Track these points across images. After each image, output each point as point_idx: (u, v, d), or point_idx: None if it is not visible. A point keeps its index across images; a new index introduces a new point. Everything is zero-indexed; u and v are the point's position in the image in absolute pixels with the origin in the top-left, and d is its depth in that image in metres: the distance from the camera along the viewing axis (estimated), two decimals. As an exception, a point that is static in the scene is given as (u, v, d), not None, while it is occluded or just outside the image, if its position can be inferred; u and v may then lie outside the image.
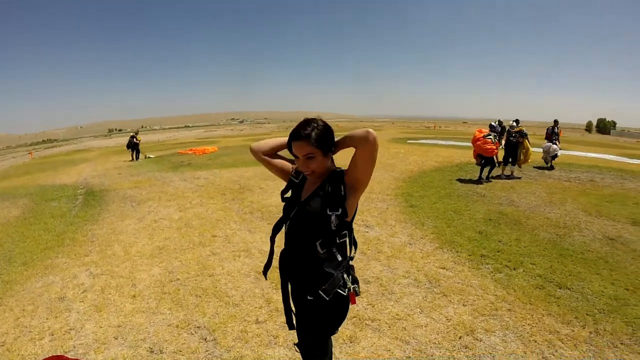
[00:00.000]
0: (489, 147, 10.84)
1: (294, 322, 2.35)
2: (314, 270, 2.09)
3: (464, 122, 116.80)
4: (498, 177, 11.50)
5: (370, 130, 1.90)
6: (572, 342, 3.58)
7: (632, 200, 8.90)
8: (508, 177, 11.75)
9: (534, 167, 13.46)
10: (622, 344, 3.58)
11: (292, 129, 2.07)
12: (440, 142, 25.83)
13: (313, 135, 1.97)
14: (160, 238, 6.72)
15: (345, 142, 2.03)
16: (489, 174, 11.37)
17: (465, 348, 3.47)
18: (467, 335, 3.67)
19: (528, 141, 11.98)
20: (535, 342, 3.58)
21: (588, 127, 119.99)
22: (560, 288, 4.62)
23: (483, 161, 11.15)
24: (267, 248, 5.73)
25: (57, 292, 4.88)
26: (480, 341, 3.58)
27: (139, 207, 9.21)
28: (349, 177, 2.05)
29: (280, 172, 2.32)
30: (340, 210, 2.01)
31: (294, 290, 2.26)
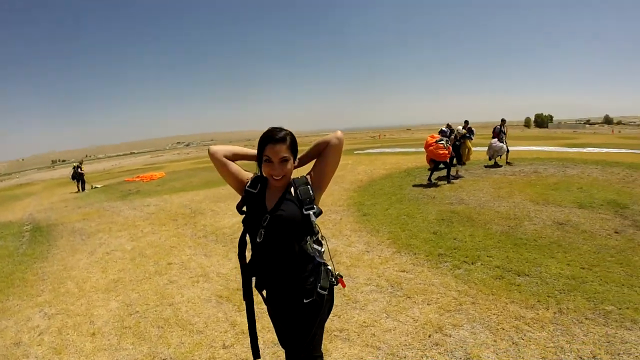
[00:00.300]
0: (441, 152, 11.02)
1: (283, 338, 2.32)
2: (306, 269, 2.14)
3: (407, 129, 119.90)
4: (446, 177, 11.65)
5: (340, 132, 2.20)
6: (539, 324, 3.70)
7: (575, 186, 9.33)
8: (455, 177, 12.00)
9: (484, 166, 13.89)
10: (586, 319, 3.73)
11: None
12: (386, 150, 26.49)
13: (288, 140, 2.05)
14: (115, 270, 6.44)
15: (316, 149, 2.21)
16: (448, 174, 11.57)
17: (437, 345, 3.49)
18: (436, 332, 3.69)
19: (470, 141, 12.67)
20: (504, 329, 3.66)
21: (527, 123, 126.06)
22: (519, 275, 4.77)
23: (440, 165, 11.51)
24: (225, 271, 5.58)
25: (12, 337, 4.55)
26: (450, 337, 3.61)
27: (89, 240, 8.82)
28: (315, 177, 2.19)
29: (236, 180, 2.23)
30: (315, 207, 2.11)
31: (278, 302, 2.21)
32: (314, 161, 2.24)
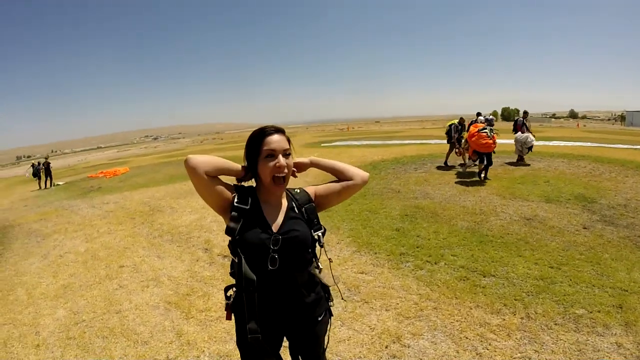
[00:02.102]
0: (484, 141, 9.74)
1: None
2: (316, 293, 1.95)
3: (376, 122, 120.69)
4: (484, 171, 10.24)
5: (367, 175, 2.06)
6: (505, 332, 3.50)
7: (542, 179, 9.30)
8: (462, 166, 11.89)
9: (506, 162, 13.07)
10: (556, 324, 3.56)
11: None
12: (353, 142, 26.48)
13: (284, 132, 1.85)
14: (65, 275, 6.07)
15: (333, 171, 2.05)
16: (485, 172, 10.15)
17: (394, 358, 3.27)
18: (394, 342, 3.46)
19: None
20: (467, 338, 3.45)
21: (494, 116, 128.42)
22: (484, 276, 4.59)
23: (480, 159, 10.12)
24: (177, 274, 5.25)
25: (-43, 352, 4.22)
26: (409, 347, 3.39)
27: (44, 241, 8.36)
28: (321, 201, 2.02)
29: (219, 198, 1.81)
30: (322, 227, 1.93)
31: (289, 326, 1.93)
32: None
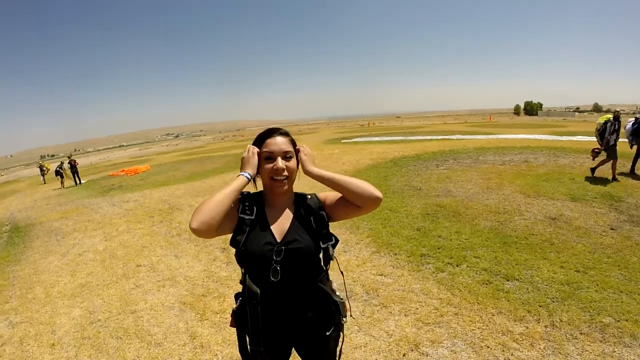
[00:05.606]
0: None
1: None
2: (326, 307, 1.81)
3: (397, 117, 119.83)
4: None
5: (380, 195, 1.68)
6: (528, 341, 3.33)
7: (567, 176, 9.02)
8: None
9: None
10: (581, 333, 3.38)
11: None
12: (374, 138, 26.33)
13: (289, 136, 1.79)
14: (83, 274, 6.12)
15: (346, 185, 1.69)
16: None
17: (411, 366, 3.13)
18: (412, 350, 3.33)
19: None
20: (488, 347, 3.30)
21: (516, 110, 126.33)
22: (508, 280, 4.42)
23: None
24: (193, 274, 5.20)
25: (-26, 349, 4.26)
26: (427, 356, 3.25)
27: (64, 240, 8.47)
28: (330, 211, 1.80)
29: (229, 223, 1.69)
30: (333, 239, 1.77)
31: (295, 339, 1.84)
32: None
